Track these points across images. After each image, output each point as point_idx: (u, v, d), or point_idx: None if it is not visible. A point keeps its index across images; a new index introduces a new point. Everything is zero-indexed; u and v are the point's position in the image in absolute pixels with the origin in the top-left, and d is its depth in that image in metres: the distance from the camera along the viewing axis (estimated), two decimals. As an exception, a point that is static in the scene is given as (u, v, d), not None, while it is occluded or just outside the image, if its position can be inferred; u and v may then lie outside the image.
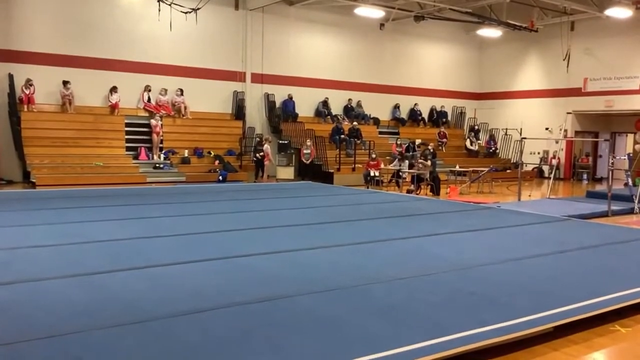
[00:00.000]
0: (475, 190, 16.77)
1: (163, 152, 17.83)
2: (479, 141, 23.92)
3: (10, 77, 15.84)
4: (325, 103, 21.59)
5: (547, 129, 22.61)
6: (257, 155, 18.08)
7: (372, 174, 17.17)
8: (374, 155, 17.73)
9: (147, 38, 17.98)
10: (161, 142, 17.95)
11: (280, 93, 20.62)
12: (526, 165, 20.01)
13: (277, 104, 20.60)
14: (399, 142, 20.62)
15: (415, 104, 23.89)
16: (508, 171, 21.34)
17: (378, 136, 22.02)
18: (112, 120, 17.48)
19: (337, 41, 21.90)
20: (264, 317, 4.43)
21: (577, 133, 22.53)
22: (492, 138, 24.07)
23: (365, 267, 6.21)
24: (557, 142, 21.51)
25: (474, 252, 7.15)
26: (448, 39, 24.65)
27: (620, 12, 18.52)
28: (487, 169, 17.51)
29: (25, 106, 16.10)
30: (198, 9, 14.91)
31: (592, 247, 7.71)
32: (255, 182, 17.76)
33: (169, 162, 17.49)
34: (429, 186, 15.95)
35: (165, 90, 18.51)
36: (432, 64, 24.68)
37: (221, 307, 4.64)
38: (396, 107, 23.45)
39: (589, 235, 8.76)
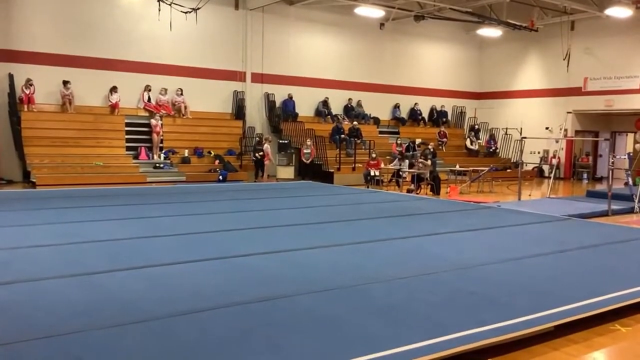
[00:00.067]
0: (475, 189, 16.77)
1: (163, 151, 17.83)
2: (479, 141, 23.92)
3: (11, 77, 15.85)
4: (325, 103, 21.58)
5: (547, 128, 22.62)
6: (257, 154, 18.08)
7: (372, 173, 17.16)
8: (374, 155, 17.73)
9: (147, 38, 17.97)
10: (161, 141, 17.96)
11: (280, 93, 20.62)
12: (526, 165, 20.00)
13: (277, 104, 20.60)
14: (399, 142, 20.62)
15: (416, 104, 23.89)
16: (508, 171, 21.33)
17: (378, 136, 22.02)
18: (112, 120, 17.48)
19: (337, 41, 21.89)
20: (263, 317, 4.43)
21: (577, 132, 22.52)
22: (492, 137, 24.07)
23: (365, 266, 6.21)
24: (557, 142, 21.52)
25: (474, 252, 7.14)
26: (448, 39, 24.65)
27: (620, 12, 18.51)
28: (487, 169, 17.51)
29: (26, 106, 16.10)
30: (198, 8, 14.91)
31: (592, 247, 7.71)
32: (255, 181, 17.76)
33: (169, 161, 17.49)
34: (429, 186, 15.95)
35: (166, 90, 18.51)
36: (432, 63, 24.68)
37: (221, 307, 4.64)
38: (396, 106, 23.45)
39: (589, 235, 8.76)
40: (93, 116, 17.14)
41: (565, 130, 21.77)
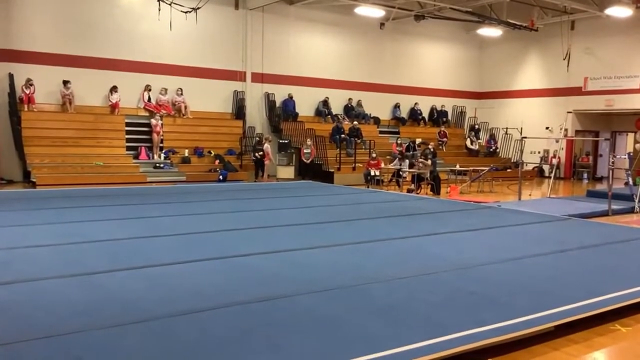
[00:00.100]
0: (475, 189, 16.77)
1: (163, 151, 17.83)
2: (479, 140, 23.91)
3: (11, 76, 15.85)
4: (325, 102, 21.58)
5: (547, 128, 22.62)
6: (256, 154, 18.07)
7: (372, 173, 17.16)
8: (374, 155, 17.73)
9: (147, 38, 17.97)
10: (161, 141, 17.96)
11: (280, 92, 20.62)
12: (526, 165, 20.01)
13: (278, 104, 20.60)
14: (399, 142, 20.61)
15: (416, 104, 23.89)
16: (508, 170, 21.32)
17: (378, 135, 22.02)
18: (112, 120, 17.49)
19: (338, 40, 21.89)
20: (263, 317, 4.43)
21: (577, 132, 22.51)
22: (492, 137, 24.06)
23: (365, 266, 6.21)
24: (557, 142, 21.52)
25: (474, 252, 7.14)
26: (448, 39, 24.64)
27: (620, 12, 18.50)
28: (487, 169, 17.50)
29: (26, 106, 16.11)
30: (198, 8, 14.90)
31: (592, 247, 7.70)
32: (255, 181, 17.76)
33: (169, 161, 17.49)
34: (430, 185, 15.95)
35: (166, 89, 18.51)
36: (433, 63, 24.67)
37: (221, 307, 4.64)
38: (396, 106, 23.44)
39: (589, 235, 8.76)
40: (93, 116, 17.15)
41: (566, 130, 21.77)
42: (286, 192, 14.19)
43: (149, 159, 17.46)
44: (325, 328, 4.22)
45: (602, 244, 7.92)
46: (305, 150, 18.94)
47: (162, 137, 17.93)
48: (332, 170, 18.56)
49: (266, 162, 18.16)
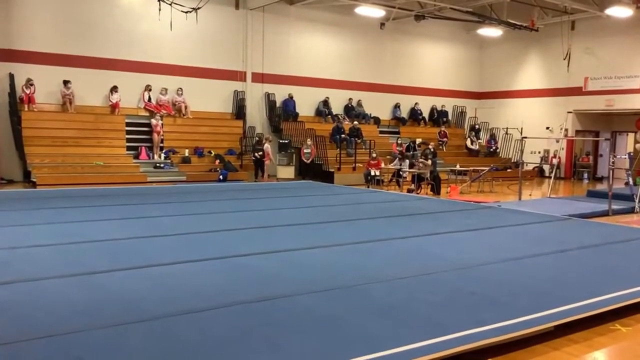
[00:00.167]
0: (475, 189, 16.76)
1: (163, 151, 17.84)
2: (479, 140, 23.91)
3: (11, 76, 15.85)
4: (325, 102, 21.59)
5: (547, 128, 22.62)
6: (256, 154, 18.07)
7: (372, 173, 17.16)
8: (374, 155, 17.73)
9: (148, 37, 17.98)
10: (162, 141, 17.96)
11: (280, 92, 20.62)
12: (527, 165, 20.00)
13: (278, 104, 20.60)
14: (399, 142, 20.61)
15: (416, 104, 23.89)
16: (509, 170, 21.32)
17: (378, 135, 22.02)
18: (112, 120, 17.49)
19: (338, 40, 21.89)
20: (263, 317, 4.43)
21: (577, 132, 22.51)
22: (492, 137, 24.06)
23: (365, 266, 6.21)
24: (557, 142, 21.52)
25: (474, 252, 7.14)
26: (448, 39, 24.64)
27: (620, 12, 18.50)
28: (487, 168, 17.49)
29: (26, 106, 16.11)
30: (198, 8, 14.90)
31: (592, 247, 7.70)
32: (255, 181, 17.76)
33: (169, 161, 17.50)
34: (430, 185, 15.95)
35: (166, 89, 18.51)
36: (433, 63, 24.67)
37: (221, 307, 4.64)
38: (397, 106, 23.44)
39: (589, 235, 8.76)
40: (93, 116, 17.15)
41: (566, 130, 21.78)
42: (286, 192, 14.19)
43: (149, 158, 17.46)
44: (325, 328, 4.22)
45: (602, 244, 7.92)
46: (305, 150, 18.95)
47: (162, 137, 17.94)
48: (332, 170, 18.56)
49: (266, 162, 18.16)
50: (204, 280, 5.51)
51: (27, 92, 16.08)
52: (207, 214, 9.93)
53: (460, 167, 18.33)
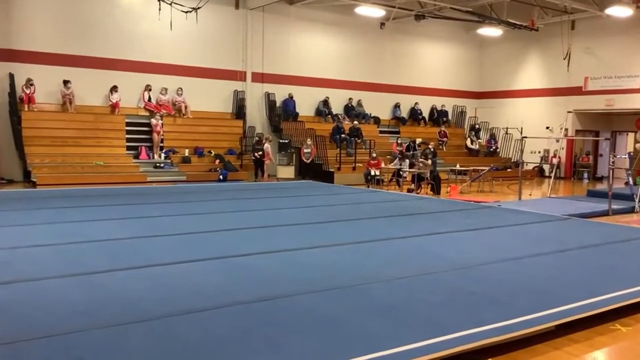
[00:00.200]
0: (475, 189, 16.76)
1: (163, 151, 17.83)
2: (479, 140, 23.90)
3: (11, 76, 15.85)
4: (325, 102, 21.58)
5: (547, 128, 22.61)
6: (256, 154, 18.06)
7: (372, 173, 17.16)
8: (374, 155, 17.73)
9: (148, 37, 17.97)
10: (162, 141, 17.96)
11: (280, 92, 20.62)
12: (527, 164, 20.01)
13: (278, 103, 20.60)
14: (399, 142, 20.60)
15: (416, 103, 23.89)
16: (509, 170, 21.32)
17: (378, 135, 22.01)
18: (112, 120, 17.49)
19: (338, 40, 21.89)
20: (264, 317, 4.43)
21: (577, 132, 22.50)
22: (492, 137, 24.06)
23: (365, 266, 6.21)
24: (557, 141, 21.51)
25: (474, 252, 7.14)
26: (448, 38, 24.64)
27: (620, 11, 18.50)
28: (487, 168, 17.49)
29: (26, 105, 16.11)
30: (198, 8, 14.91)
31: (592, 246, 7.70)
32: (255, 181, 17.76)
33: (169, 161, 17.49)
34: (430, 185, 15.95)
35: (166, 89, 18.51)
36: (433, 63, 24.67)
37: (221, 307, 4.64)
38: (397, 106, 23.44)
39: (589, 235, 8.76)
40: (93, 116, 17.15)
41: (566, 129, 21.78)
42: (286, 191, 14.19)
43: (149, 158, 17.46)
44: (325, 328, 4.22)
45: (602, 244, 7.92)
46: (305, 150, 18.94)
47: (162, 137, 17.94)
48: (332, 170, 18.56)
49: (266, 161, 18.15)
50: (204, 280, 5.51)
51: (27, 92, 16.08)
52: (207, 213, 9.93)
53: (460, 166, 18.32)
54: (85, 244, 7.02)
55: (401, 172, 16.93)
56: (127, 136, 17.58)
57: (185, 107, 18.76)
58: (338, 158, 18.83)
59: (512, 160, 22.38)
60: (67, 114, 16.79)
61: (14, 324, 4.23)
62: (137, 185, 14.98)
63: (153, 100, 18.29)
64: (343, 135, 20.02)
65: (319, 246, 7.18)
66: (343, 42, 21.99)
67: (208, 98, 19.28)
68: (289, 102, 20.56)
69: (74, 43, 16.95)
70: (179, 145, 18.23)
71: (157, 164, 17.12)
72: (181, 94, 18.70)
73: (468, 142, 23.59)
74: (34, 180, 14.71)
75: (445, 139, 23.04)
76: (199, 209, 10.35)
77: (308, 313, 4.58)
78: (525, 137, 15.31)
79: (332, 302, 4.89)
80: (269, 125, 20.59)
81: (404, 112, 23.65)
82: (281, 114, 20.41)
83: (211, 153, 18.31)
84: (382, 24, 21.66)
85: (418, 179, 15.92)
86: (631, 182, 14.71)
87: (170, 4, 14.16)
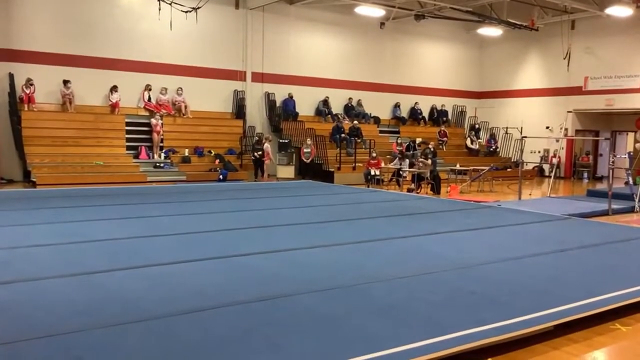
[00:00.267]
0: (475, 189, 16.76)
1: (163, 151, 17.83)
2: (479, 140, 23.91)
3: (11, 76, 15.85)
4: (325, 102, 21.58)
5: (547, 127, 22.61)
6: (256, 154, 18.06)
7: (372, 172, 17.17)
8: (374, 154, 17.73)
9: (148, 37, 17.97)
10: (162, 141, 17.96)
11: (280, 92, 20.62)
12: (527, 164, 20.01)
13: (278, 103, 20.60)
14: (399, 141, 20.59)
15: (416, 103, 23.89)
16: (508, 170, 21.31)
17: (378, 135, 22.01)
18: (112, 120, 17.49)
19: (338, 40, 21.89)
20: (264, 316, 4.43)
21: (577, 132, 22.50)
22: (492, 137, 24.06)
23: (365, 266, 6.21)
24: (557, 141, 21.51)
25: (474, 251, 7.14)
26: (448, 38, 24.63)
27: (620, 11, 18.50)
28: (487, 168, 17.49)
29: (26, 105, 16.11)
30: (198, 8, 14.90)
31: (592, 246, 7.71)
32: (255, 181, 17.76)
33: (169, 161, 17.49)
34: (430, 185, 15.95)
35: (166, 89, 18.51)
36: (433, 62, 24.67)
37: (221, 306, 4.64)
38: (397, 106, 23.45)
39: (589, 234, 8.76)
40: (93, 115, 17.15)
41: (566, 129, 21.77)
42: (286, 191, 14.19)
43: (149, 158, 17.46)
44: (325, 328, 4.22)
45: (602, 244, 7.92)
46: (305, 150, 18.94)
47: (162, 137, 17.94)
48: (332, 169, 18.56)
49: (266, 161, 18.15)
50: (204, 280, 5.51)
51: (27, 91, 16.07)
52: (207, 213, 9.93)
53: (460, 166, 18.32)
54: (85, 244, 7.01)
55: (401, 172, 16.93)
56: (127, 136, 17.58)
57: (185, 106, 18.76)
58: (338, 158, 18.83)
59: (512, 160, 22.38)
60: (67, 113, 16.79)
61: (13, 323, 4.23)
62: (137, 185, 14.98)
63: (153, 100, 18.29)
64: (343, 135, 20.02)
65: (319, 246, 7.18)
66: (343, 41, 21.99)
67: (208, 98, 19.28)
68: (289, 101, 20.56)
69: (74, 43, 16.95)
70: (178, 145, 18.22)
71: (157, 164, 17.12)
72: (181, 94, 18.70)
73: (468, 141, 23.59)
74: (34, 180, 14.71)
75: (445, 138, 23.04)
76: (198, 209, 10.35)
77: (308, 313, 4.58)
78: (525, 137, 15.31)
79: (332, 301, 4.89)
80: (269, 125, 20.60)
81: (404, 112, 23.65)
82: (281, 114, 20.41)
83: (211, 153, 18.31)
84: (382, 24, 21.66)
85: (418, 179, 15.92)
86: (631, 181, 14.70)
87: (170, 4, 14.16)
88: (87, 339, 3.91)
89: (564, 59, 20.50)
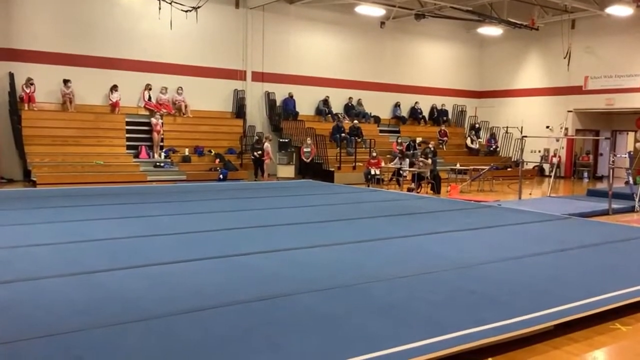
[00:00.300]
0: (475, 188, 16.75)
1: (164, 150, 17.83)
2: (479, 139, 23.90)
3: (11, 75, 15.85)
4: (325, 101, 21.58)
5: (547, 127, 22.60)
6: (256, 153, 18.06)
7: (372, 172, 17.17)
8: (374, 154, 17.73)
9: (148, 36, 17.97)
10: (162, 140, 17.96)
11: (280, 91, 20.62)
12: (527, 164, 20.00)
13: (278, 103, 20.60)
14: (399, 141, 20.59)
15: (416, 102, 23.88)
16: (509, 169, 21.30)
17: (379, 134, 22.01)
18: (112, 119, 17.49)
19: (338, 39, 21.88)
20: (264, 316, 4.43)
21: (577, 131, 22.49)
22: (492, 136, 24.05)
23: (366, 265, 6.21)
24: (557, 141, 21.50)
25: (474, 251, 7.14)
26: (449, 37, 24.62)
27: (620, 10, 18.50)
28: (487, 168, 17.49)
29: (26, 105, 16.11)
30: (198, 7, 14.90)
31: (592, 246, 7.70)
32: (255, 180, 17.76)
33: (169, 160, 17.49)
34: (430, 184, 15.95)
35: (166, 88, 18.51)
36: (433, 62, 24.66)
37: (221, 306, 4.64)
38: (397, 105, 23.44)
39: (589, 234, 8.76)
40: (93, 115, 17.15)
41: (566, 129, 21.76)
42: (286, 191, 14.19)
43: (149, 158, 17.46)
44: (325, 327, 4.22)
45: (602, 243, 7.92)
46: (305, 149, 18.94)
47: (162, 136, 17.94)
48: (332, 169, 18.56)
49: (266, 161, 18.15)
50: (204, 279, 5.51)
51: (27, 91, 16.07)
52: (207, 213, 9.93)
53: (461, 166, 18.32)
54: (85, 243, 7.01)
55: (401, 172, 16.93)
56: (127, 135, 17.58)
57: (185, 106, 18.76)
58: (338, 157, 18.82)
59: (512, 160, 22.37)
60: (67, 113, 16.79)
61: (13, 323, 4.23)
62: (137, 185, 14.98)
63: (153, 100, 18.29)
64: (343, 135, 20.01)
65: (319, 245, 7.18)
66: (343, 41, 21.98)
67: (208, 97, 19.28)
68: (289, 101, 20.55)
69: (74, 42, 16.94)
70: (179, 144, 18.22)
71: (157, 163, 17.12)
72: (181, 93, 18.70)
73: (468, 141, 23.59)
74: (34, 179, 14.71)
75: (445, 138, 23.03)
76: (198, 208, 10.35)
77: (308, 312, 4.58)
78: (526, 137, 15.30)
79: (332, 301, 4.89)
80: (269, 125, 20.59)
81: (404, 112, 23.65)
82: (281, 113, 20.41)
83: (211, 152, 18.31)
84: (382, 23, 21.64)
85: (418, 178, 15.91)
86: (631, 181, 14.70)
87: (170, 3, 14.16)
88: (87, 338, 3.91)
89: (564, 58, 20.49)
